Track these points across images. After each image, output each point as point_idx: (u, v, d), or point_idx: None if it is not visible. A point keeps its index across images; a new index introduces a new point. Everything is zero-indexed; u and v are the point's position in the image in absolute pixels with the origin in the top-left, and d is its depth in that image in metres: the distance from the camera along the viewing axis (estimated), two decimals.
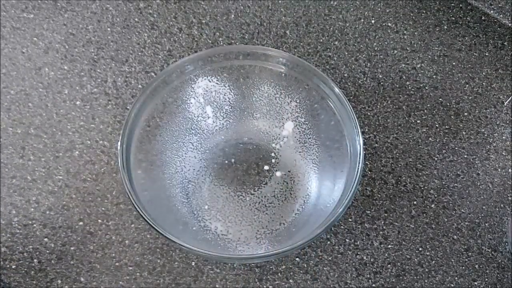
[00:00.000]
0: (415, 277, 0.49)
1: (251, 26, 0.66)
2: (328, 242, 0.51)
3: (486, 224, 0.52)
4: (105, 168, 0.54)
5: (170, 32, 0.65)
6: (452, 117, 0.59)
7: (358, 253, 0.50)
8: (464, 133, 0.58)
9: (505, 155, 0.57)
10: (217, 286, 0.48)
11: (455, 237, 0.52)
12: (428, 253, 0.50)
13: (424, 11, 0.69)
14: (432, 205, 0.53)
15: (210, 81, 0.52)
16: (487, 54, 0.65)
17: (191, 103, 0.53)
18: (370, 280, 0.49)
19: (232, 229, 0.50)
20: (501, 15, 0.68)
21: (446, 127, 0.59)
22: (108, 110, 0.58)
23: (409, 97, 0.61)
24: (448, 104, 0.60)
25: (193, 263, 0.49)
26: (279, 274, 0.49)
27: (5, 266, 0.48)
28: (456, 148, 0.57)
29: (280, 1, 0.68)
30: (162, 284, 0.48)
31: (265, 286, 0.48)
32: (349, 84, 0.61)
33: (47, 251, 0.49)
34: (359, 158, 0.45)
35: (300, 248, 0.48)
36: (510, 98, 0.61)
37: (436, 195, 0.54)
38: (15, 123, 0.56)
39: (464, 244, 0.51)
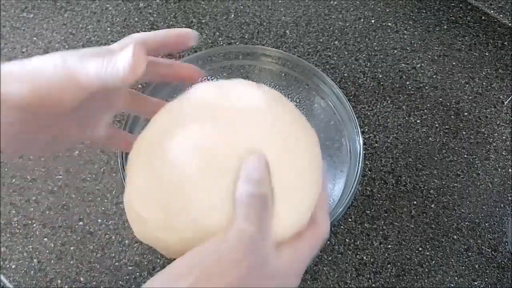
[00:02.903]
0: (415, 277, 0.49)
1: (251, 26, 0.66)
2: (328, 242, 0.50)
3: (486, 224, 0.52)
4: (105, 168, 0.54)
5: None
6: (452, 117, 0.59)
7: (358, 253, 0.50)
8: (464, 133, 0.58)
9: (505, 155, 0.57)
10: None
11: (455, 237, 0.51)
12: (428, 253, 0.50)
13: (424, 11, 0.69)
14: (432, 205, 0.53)
15: (210, 81, 0.52)
16: (487, 54, 0.65)
17: None
18: (370, 280, 0.49)
19: None
20: (501, 15, 0.68)
21: (446, 127, 0.59)
22: None
23: (409, 97, 0.61)
24: (448, 104, 0.60)
25: None
26: None
27: (5, 266, 0.48)
28: (456, 148, 0.57)
29: (280, 1, 0.68)
30: None
31: None
32: (349, 84, 0.61)
33: (47, 251, 0.49)
34: (359, 158, 0.45)
35: None
36: (510, 98, 0.61)
37: (436, 195, 0.54)
38: None
39: (464, 244, 0.51)
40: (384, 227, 0.52)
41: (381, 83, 0.61)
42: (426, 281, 0.49)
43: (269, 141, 0.29)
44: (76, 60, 0.27)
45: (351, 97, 0.60)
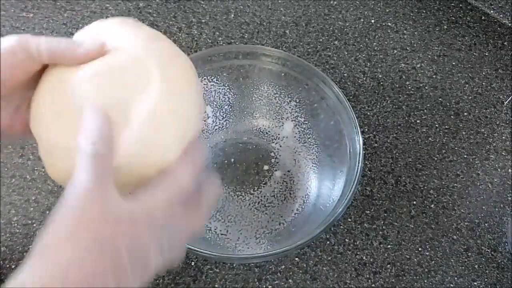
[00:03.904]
0: (414, 277, 0.49)
1: (250, 26, 0.66)
2: (328, 242, 0.51)
3: (486, 224, 0.52)
4: None
5: (169, 32, 0.65)
6: (452, 117, 0.59)
7: (358, 253, 0.50)
8: (464, 133, 0.58)
9: (505, 155, 0.57)
10: (216, 286, 0.48)
11: (454, 237, 0.51)
12: (427, 253, 0.50)
13: (424, 11, 0.69)
14: (432, 205, 0.53)
15: (209, 81, 0.52)
16: (487, 54, 0.65)
17: None
18: (369, 280, 0.49)
19: (231, 228, 0.50)
20: (501, 15, 0.68)
21: (446, 127, 0.59)
22: None
23: (409, 97, 0.61)
24: (448, 104, 0.60)
25: (192, 263, 0.49)
26: (279, 274, 0.49)
27: (5, 265, 0.48)
28: (456, 148, 0.57)
29: (279, 1, 0.68)
30: (161, 284, 0.48)
31: (264, 286, 0.48)
32: (348, 83, 0.61)
33: None
34: (359, 158, 0.45)
35: (300, 248, 0.48)
36: (510, 98, 0.61)
37: (436, 195, 0.54)
38: None
39: (463, 244, 0.51)
40: (383, 227, 0.52)
41: (381, 83, 0.61)
42: (425, 281, 0.49)
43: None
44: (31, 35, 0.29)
45: (351, 97, 0.60)
